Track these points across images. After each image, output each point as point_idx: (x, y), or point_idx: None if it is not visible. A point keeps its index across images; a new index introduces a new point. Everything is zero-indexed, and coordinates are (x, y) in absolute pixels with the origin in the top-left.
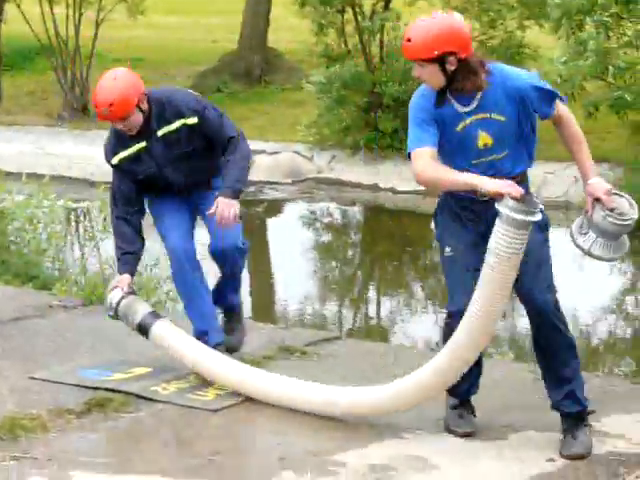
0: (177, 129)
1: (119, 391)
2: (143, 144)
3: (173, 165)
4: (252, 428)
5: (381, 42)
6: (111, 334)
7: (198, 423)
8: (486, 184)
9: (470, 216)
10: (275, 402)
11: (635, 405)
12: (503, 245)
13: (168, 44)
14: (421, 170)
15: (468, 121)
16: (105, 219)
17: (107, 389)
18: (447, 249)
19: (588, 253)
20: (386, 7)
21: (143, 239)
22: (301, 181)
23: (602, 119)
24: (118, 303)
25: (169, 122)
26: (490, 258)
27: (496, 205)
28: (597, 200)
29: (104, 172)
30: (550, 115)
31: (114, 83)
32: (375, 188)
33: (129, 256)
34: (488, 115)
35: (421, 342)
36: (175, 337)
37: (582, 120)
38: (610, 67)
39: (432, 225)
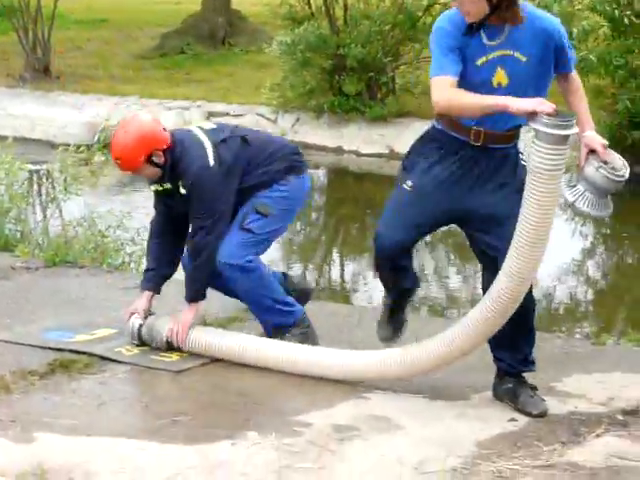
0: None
1: (83, 352)
2: (169, 186)
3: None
4: (216, 389)
5: (345, 4)
6: (74, 296)
7: (162, 384)
8: (516, 103)
9: (453, 157)
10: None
11: (595, 366)
12: (544, 163)
13: (131, 5)
14: (439, 98)
15: (490, 56)
16: (66, 180)
17: (71, 350)
18: (409, 183)
19: (573, 206)
20: None
21: (174, 262)
22: None
23: None
24: (139, 330)
25: (181, 182)
26: (531, 179)
27: (530, 124)
28: (592, 152)
29: (66, 134)
30: (565, 69)
31: (124, 136)
32: (339, 151)
33: (151, 273)
34: (511, 52)
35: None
36: (209, 336)
37: None
38: (574, 30)
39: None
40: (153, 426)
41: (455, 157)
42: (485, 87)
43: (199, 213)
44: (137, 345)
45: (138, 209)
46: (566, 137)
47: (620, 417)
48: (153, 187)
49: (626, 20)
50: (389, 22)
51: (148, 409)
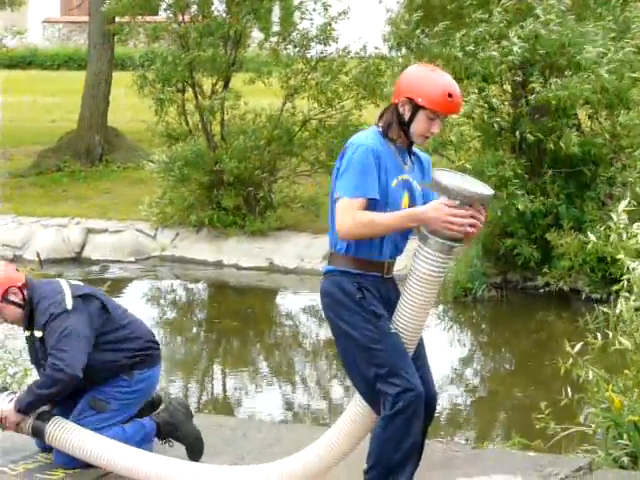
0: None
1: None
2: (28, 333)
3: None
4: None
5: (222, 120)
6: None
7: None
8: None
9: (374, 296)
10: None
11: (475, 469)
12: (429, 269)
13: (6, 124)
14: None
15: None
16: None
17: None
18: (391, 326)
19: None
20: (225, 86)
21: None
22: (145, 259)
23: None
24: None
25: (36, 325)
26: (414, 284)
27: (423, 230)
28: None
29: None
30: None
31: None
32: (219, 265)
33: None
34: (411, 179)
35: (266, 416)
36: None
37: None
38: (453, 138)
39: (330, 311)
40: None
41: (375, 295)
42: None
43: (53, 349)
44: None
45: (21, 329)
46: (454, 247)
47: None
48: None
49: (495, 126)
50: (265, 137)
51: None
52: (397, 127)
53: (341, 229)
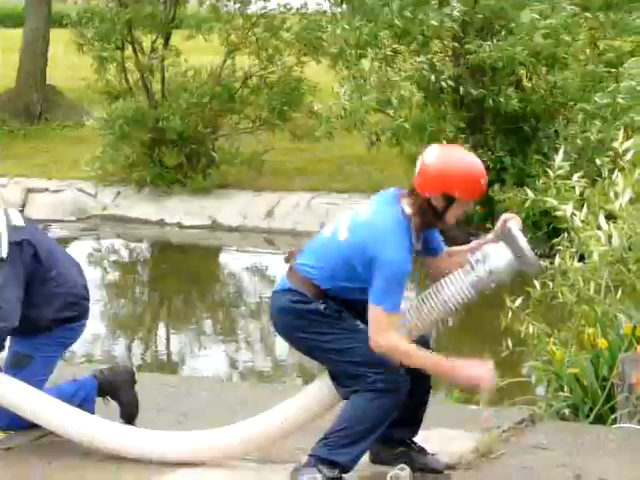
0: None
1: None
2: None
3: None
4: (46, 465)
5: (162, 78)
6: None
7: None
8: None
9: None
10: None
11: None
12: (456, 297)
13: None
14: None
15: None
16: None
17: None
18: (358, 322)
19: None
20: (166, 43)
21: None
22: (86, 218)
23: (382, 152)
24: None
25: None
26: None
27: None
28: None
29: None
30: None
31: None
32: (162, 224)
33: None
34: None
35: (210, 373)
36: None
37: (364, 151)
38: (393, 99)
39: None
40: None
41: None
42: None
43: None
44: None
45: None
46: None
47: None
48: None
49: (444, 84)
50: (207, 94)
51: None
52: (431, 219)
53: (380, 344)
